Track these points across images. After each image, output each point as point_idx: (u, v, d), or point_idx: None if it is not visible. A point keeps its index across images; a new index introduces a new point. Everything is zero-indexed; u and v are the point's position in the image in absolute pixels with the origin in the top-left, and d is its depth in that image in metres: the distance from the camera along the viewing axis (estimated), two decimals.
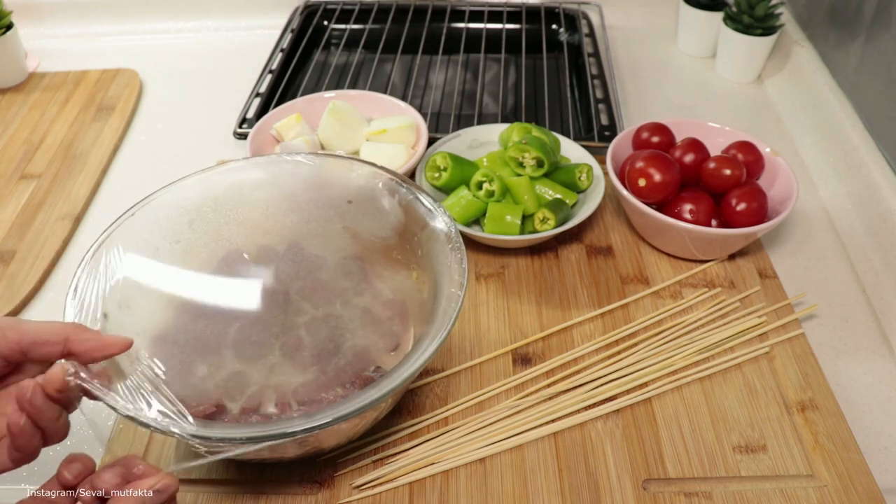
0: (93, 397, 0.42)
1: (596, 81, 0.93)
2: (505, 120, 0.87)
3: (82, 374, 0.41)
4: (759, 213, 0.65)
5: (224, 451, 0.42)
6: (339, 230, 0.58)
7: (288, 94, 0.93)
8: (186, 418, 0.42)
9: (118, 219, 0.53)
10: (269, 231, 0.58)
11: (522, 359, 0.60)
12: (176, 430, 0.41)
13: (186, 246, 0.55)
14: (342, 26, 1.08)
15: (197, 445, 0.43)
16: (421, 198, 0.55)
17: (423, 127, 0.77)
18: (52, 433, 0.41)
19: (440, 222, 0.53)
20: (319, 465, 0.53)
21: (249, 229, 0.58)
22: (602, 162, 0.72)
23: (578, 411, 0.56)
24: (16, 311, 0.66)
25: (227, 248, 0.57)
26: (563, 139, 0.76)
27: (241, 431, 0.41)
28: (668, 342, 0.61)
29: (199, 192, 0.57)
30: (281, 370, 0.51)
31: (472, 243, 0.70)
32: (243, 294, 0.55)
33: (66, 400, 0.41)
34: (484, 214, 0.69)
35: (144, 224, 0.54)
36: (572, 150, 0.76)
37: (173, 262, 0.54)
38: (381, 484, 0.51)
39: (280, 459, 0.51)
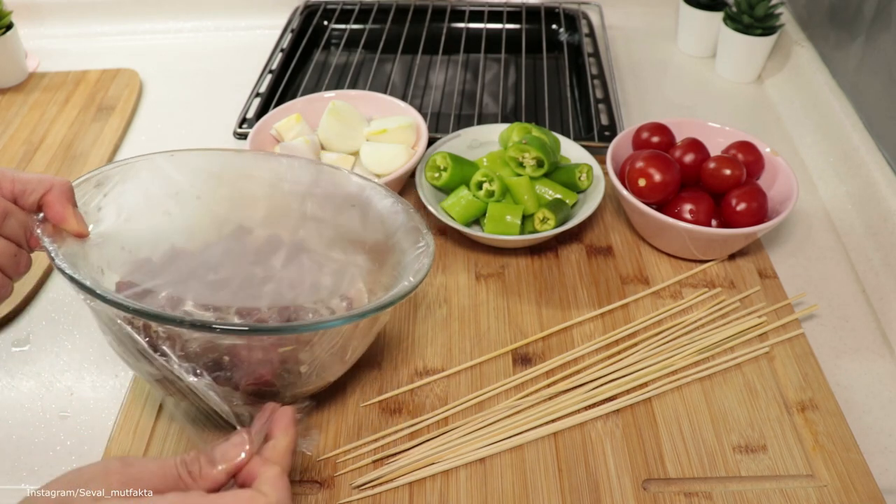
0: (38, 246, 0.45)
1: (596, 81, 0.93)
2: (505, 120, 0.87)
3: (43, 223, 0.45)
4: (759, 213, 0.65)
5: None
6: (344, 236, 0.58)
7: (288, 94, 0.93)
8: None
9: (157, 152, 0.55)
10: (281, 222, 0.59)
11: (522, 359, 0.60)
12: (101, 293, 0.41)
13: (204, 203, 0.56)
14: (342, 26, 1.08)
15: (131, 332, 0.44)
16: (413, 216, 0.56)
17: (423, 127, 0.77)
18: (8, 268, 0.45)
19: (424, 245, 0.54)
20: (319, 465, 0.53)
21: (266, 214, 0.59)
22: (602, 162, 0.72)
23: (578, 411, 0.56)
24: (17, 311, 0.66)
25: (238, 222, 0.58)
26: (563, 139, 0.76)
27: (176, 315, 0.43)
28: (668, 342, 0.61)
29: (240, 163, 0.58)
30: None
31: (472, 243, 0.71)
32: (229, 260, 0.55)
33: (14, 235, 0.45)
34: (484, 214, 0.69)
35: (178, 167, 0.55)
36: (572, 150, 0.76)
37: (185, 209, 0.56)
38: (381, 484, 0.51)
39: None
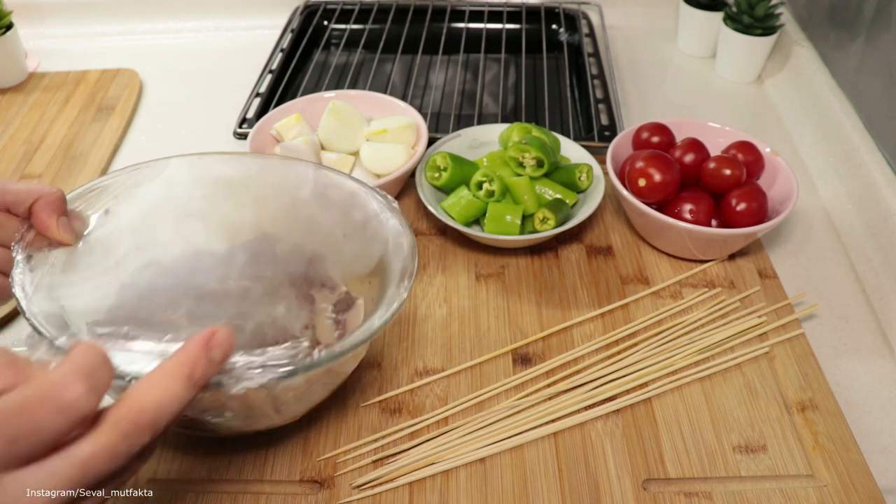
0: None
1: (596, 81, 0.93)
2: (505, 120, 0.87)
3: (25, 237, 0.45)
4: (759, 213, 0.65)
5: None
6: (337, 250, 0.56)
7: (288, 94, 0.93)
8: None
9: (174, 156, 0.54)
10: (291, 231, 0.56)
11: (522, 359, 0.60)
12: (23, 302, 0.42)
13: (218, 218, 0.54)
14: (342, 26, 1.08)
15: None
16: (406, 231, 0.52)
17: (423, 127, 0.77)
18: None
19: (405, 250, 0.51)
20: (319, 465, 0.53)
21: (266, 224, 0.56)
22: (602, 162, 0.72)
23: (578, 411, 0.56)
24: (17, 311, 0.66)
25: (255, 232, 0.55)
26: (563, 139, 0.76)
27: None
28: (668, 342, 0.61)
29: (254, 171, 0.57)
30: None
31: (472, 243, 0.71)
32: (224, 274, 0.52)
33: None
34: (484, 214, 0.69)
35: (190, 177, 0.54)
36: (572, 150, 0.76)
37: (196, 221, 0.54)
38: (381, 484, 0.51)
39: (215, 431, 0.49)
